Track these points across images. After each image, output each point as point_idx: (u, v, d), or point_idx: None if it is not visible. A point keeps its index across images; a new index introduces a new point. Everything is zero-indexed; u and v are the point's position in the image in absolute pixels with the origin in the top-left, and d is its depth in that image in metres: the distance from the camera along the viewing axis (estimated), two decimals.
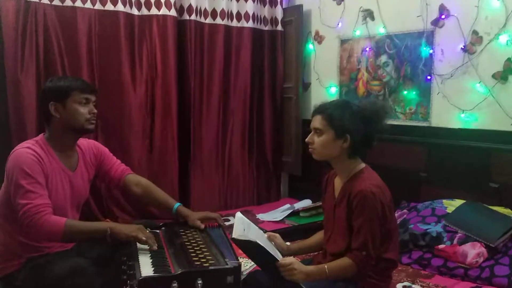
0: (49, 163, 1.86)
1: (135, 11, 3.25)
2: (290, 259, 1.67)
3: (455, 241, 2.42)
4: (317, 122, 1.76)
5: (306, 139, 1.80)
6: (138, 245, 1.76)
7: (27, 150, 1.82)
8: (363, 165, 1.79)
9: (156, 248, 1.74)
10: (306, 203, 3.54)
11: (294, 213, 3.34)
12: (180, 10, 3.43)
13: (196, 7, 3.45)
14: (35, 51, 2.89)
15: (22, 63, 2.86)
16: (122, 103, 3.24)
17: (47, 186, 1.83)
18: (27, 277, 1.79)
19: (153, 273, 1.54)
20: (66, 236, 1.76)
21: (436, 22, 2.98)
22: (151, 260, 1.64)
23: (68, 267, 1.72)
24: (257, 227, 1.89)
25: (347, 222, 1.71)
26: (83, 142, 2.09)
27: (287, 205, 3.53)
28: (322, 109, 1.77)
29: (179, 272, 1.52)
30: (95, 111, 1.97)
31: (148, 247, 1.73)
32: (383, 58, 3.31)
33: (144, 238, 1.74)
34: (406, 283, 2.24)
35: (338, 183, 1.83)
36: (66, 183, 1.93)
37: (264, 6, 3.85)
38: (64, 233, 1.74)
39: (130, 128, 3.28)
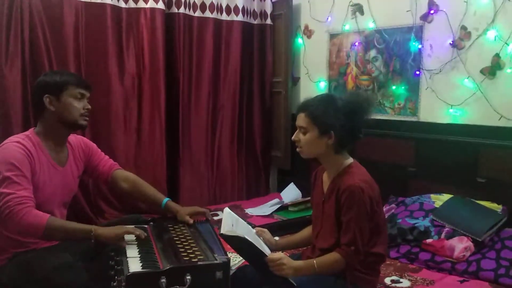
0: (38, 159, 1.85)
1: (122, 4, 3.21)
2: (279, 254, 1.67)
3: (442, 236, 2.43)
4: (301, 120, 1.74)
5: (293, 137, 1.78)
6: (126, 239, 1.74)
7: (16, 144, 1.80)
8: (351, 160, 1.79)
9: (144, 237, 1.73)
10: (293, 190, 3.55)
11: (283, 208, 3.34)
12: (169, 3, 3.38)
13: (185, 0, 3.42)
14: (20, 44, 2.84)
15: (7, 55, 2.81)
16: (109, 97, 3.20)
17: (35, 182, 1.81)
18: (13, 273, 1.76)
19: (141, 269, 1.52)
20: (47, 232, 1.71)
21: (425, 17, 2.99)
22: (139, 256, 1.63)
23: (55, 262, 1.70)
24: (245, 222, 1.88)
25: (336, 218, 1.71)
26: (72, 138, 2.08)
27: (276, 200, 3.52)
28: (305, 107, 1.74)
29: (167, 267, 1.50)
30: (89, 107, 1.97)
31: (135, 239, 1.73)
32: (372, 52, 3.32)
33: (128, 232, 1.74)
34: (394, 277, 2.26)
35: (326, 178, 1.83)
36: (56, 178, 1.91)
37: (254, 0, 3.82)
38: (45, 229, 1.70)
39: (117, 122, 3.25)
